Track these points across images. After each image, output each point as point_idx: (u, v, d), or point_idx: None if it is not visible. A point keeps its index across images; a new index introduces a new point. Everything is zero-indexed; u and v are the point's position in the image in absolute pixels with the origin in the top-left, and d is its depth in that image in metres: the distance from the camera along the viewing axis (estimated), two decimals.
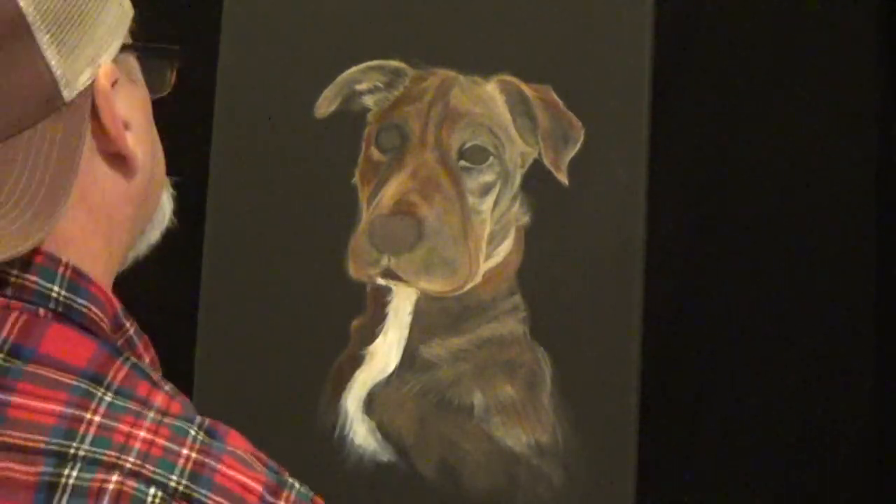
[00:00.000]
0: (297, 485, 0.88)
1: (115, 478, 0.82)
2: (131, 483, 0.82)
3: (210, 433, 0.87)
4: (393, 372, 1.80)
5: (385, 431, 1.79)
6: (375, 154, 1.81)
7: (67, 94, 0.90)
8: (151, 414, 0.85)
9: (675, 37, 1.83)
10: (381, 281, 1.79)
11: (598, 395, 1.73)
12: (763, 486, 1.86)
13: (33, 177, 0.88)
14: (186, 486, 0.84)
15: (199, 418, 0.88)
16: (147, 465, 0.83)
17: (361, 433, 1.79)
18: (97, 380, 0.86)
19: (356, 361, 1.81)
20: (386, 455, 1.79)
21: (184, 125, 1.77)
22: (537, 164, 1.78)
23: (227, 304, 1.81)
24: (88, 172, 0.92)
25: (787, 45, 1.88)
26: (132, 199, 0.96)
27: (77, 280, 0.90)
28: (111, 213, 0.94)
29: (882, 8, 1.85)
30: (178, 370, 1.87)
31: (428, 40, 1.80)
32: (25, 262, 0.88)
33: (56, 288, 0.89)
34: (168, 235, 1.06)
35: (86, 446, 0.83)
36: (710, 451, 1.87)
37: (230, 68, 1.85)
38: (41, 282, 0.89)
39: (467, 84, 1.80)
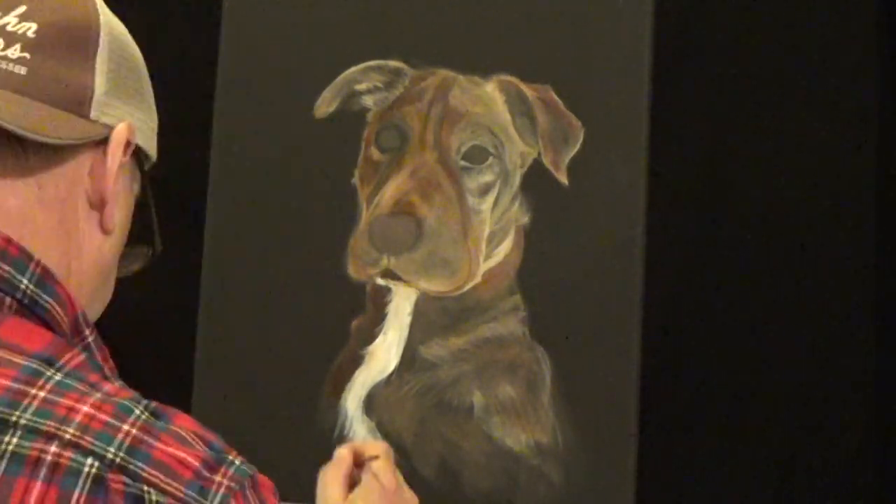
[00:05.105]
0: (237, 462, 0.90)
1: (53, 448, 0.85)
2: (68, 454, 0.85)
3: (155, 413, 0.90)
4: (393, 372, 1.80)
5: (385, 431, 1.79)
6: (375, 154, 1.81)
7: (94, 115, 0.97)
8: (98, 394, 0.89)
9: (675, 36, 1.83)
10: (380, 281, 1.79)
11: (598, 395, 1.73)
12: (762, 487, 1.86)
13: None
14: (123, 459, 0.86)
15: (146, 401, 0.91)
16: (86, 437, 0.86)
17: (361, 433, 1.79)
18: (49, 361, 0.90)
19: (356, 361, 1.81)
20: None
21: (184, 125, 1.77)
22: (537, 164, 1.78)
23: (227, 304, 1.81)
24: (74, 204, 0.97)
25: (786, 45, 1.88)
26: (102, 254, 1.01)
27: (45, 278, 0.95)
28: (84, 248, 0.99)
29: (882, 8, 1.85)
30: (178, 371, 1.88)
31: (428, 40, 1.80)
32: (1, 252, 0.93)
33: (25, 281, 0.93)
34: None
35: (27, 415, 0.86)
36: (709, 451, 1.87)
37: (230, 68, 1.85)
38: (13, 272, 0.93)
39: (467, 84, 1.80)
